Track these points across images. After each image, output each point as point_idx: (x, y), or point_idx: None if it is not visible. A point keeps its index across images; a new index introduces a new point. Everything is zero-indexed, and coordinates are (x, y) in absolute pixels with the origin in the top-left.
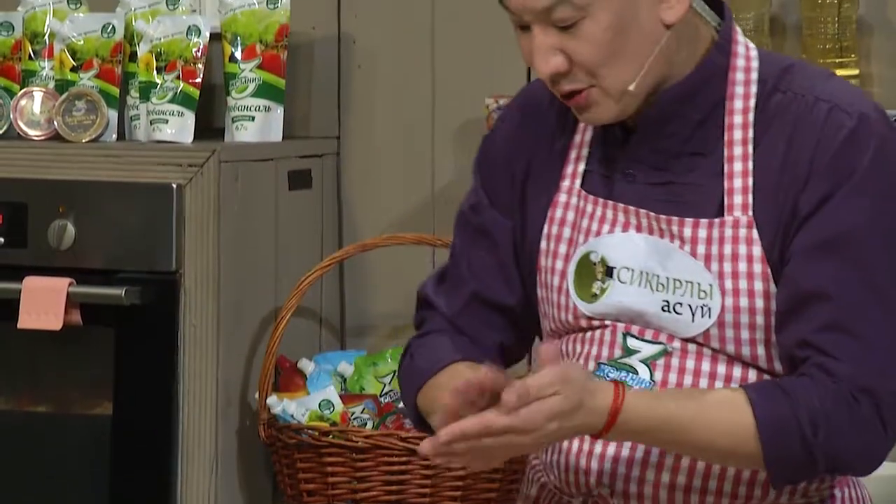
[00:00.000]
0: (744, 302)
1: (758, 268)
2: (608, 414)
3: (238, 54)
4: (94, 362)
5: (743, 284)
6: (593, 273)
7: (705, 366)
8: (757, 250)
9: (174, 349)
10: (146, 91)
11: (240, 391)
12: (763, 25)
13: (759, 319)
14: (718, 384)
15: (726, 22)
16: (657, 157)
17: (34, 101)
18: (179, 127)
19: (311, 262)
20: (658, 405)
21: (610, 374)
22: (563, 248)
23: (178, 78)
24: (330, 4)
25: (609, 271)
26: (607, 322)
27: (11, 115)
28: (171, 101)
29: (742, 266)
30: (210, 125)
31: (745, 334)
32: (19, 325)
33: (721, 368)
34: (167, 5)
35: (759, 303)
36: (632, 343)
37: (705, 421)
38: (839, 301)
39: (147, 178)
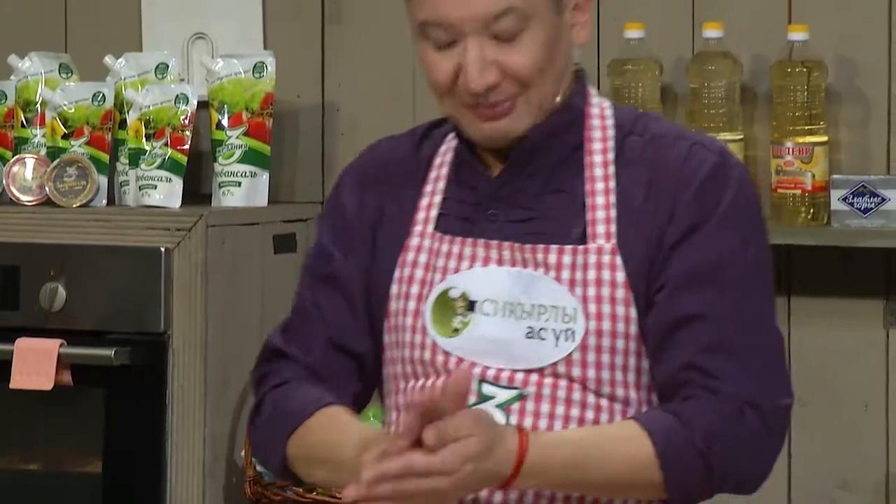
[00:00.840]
0: (606, 325)
1: (620, 293)
2: (515, 459)
3: (225, 122)
4: (84, 421)
5: (606, 309)
6: (453, 308)
7: (560, 409)
8: (620, 276)
9: (163, 408)
10: (135, 157)
11: (226, 449)
12: (734, 94)
13: (620, 343)
14: (573, 427)
15: (583, 73)
16: (519, 197)
17: (26, 168)
18: (168, 192)
19: None
20: (560, 446)
21: None
22: (415, 289)
23: (166, 145)
24: (314, 73)
25: (471, 305)
26: (463, 366)
27: (4, 181)
28: (160, 167)
29: (605, 291)
30: (197, 190)
31: (605, 358)
32: (11, 386)
33: (575, 411)
34: (156, 74)
35: (621, 327)
36: (487, 389)
37: (606, 456)
38: (716, 323)
39: (136, 242)
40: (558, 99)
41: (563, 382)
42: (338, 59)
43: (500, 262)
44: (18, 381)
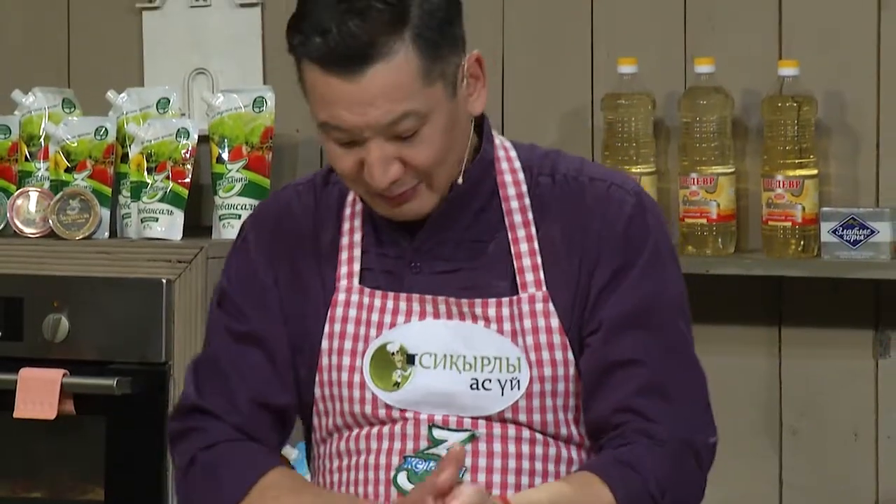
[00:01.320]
0: (548, 371)
1: (557, 338)
2: None
3: (225, 155)
4: (86, 450)
5: (546, 355)
6: (392, 363)
7: (511, 448)
8: (555, 322)
9: (163, 437)
10: (137, 191)
11: None
12: (725, 128)
13: (561, 386)
14: (525, 464)
15: (483, 116)
16: (442, 249)
17: (30, 201)
18: (169, 225)
19: None
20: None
21: (418, 466)
22: (349, 345)
23: (167, 178)
24: None
25: (410, 359)
26: (408, 415)
27: (8, 214)
28: (161, 200)
29: (543, 338)
30: (198, 223)
31: (549, 402)
32: (15, 415)
33: (525, 448)
34: (157, 109)
35: (561, 370)
36: (438, 433)
37: None
38: (648, 367)
39: (138, 274)
40: (461, 181)
41: (511, 425)
42: None
43: (436, 315)
44: (22, 410)
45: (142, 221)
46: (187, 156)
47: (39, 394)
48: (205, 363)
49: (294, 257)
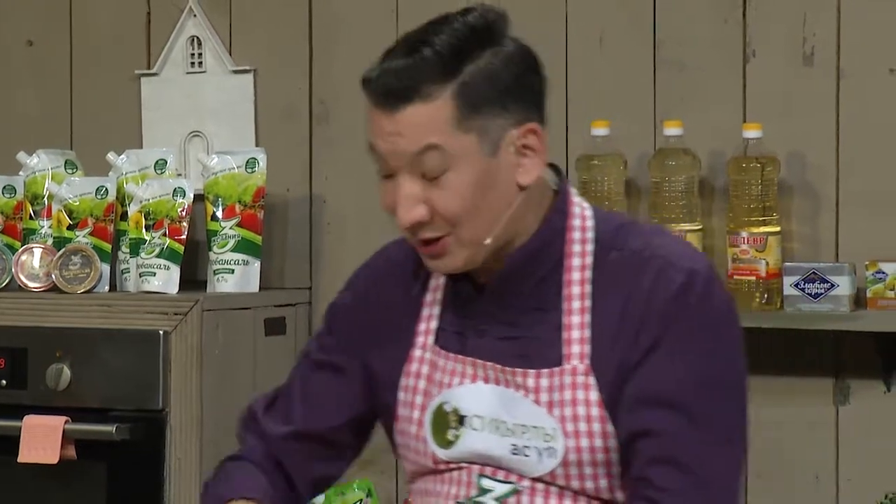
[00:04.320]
0: (584, 443)
1: (595, 411)
2: None
3: (219, 213)
4: (87, 493)
5: (583, 427)
6: (448, 421)
7: (553, 502)
8: (594, 395)
9: (161, 481)
10: (136, 247)
11: None
12: (693, 187)
13: (600, 456)
14: None
15: (562, 183)
16: (505, 314)
17: (34, 257)
18: (166, 279)
19: None
20: None
21: None
22: (419, 399)
23: (164, 235)
24: (303, 168)
25: (462, 420)
26: (463, 464)
27: (13, 269)
28: (159, 255)
29: (581, 410)
30: (194, 277)
31: (587, 470)
32: (19, 460)
33: (567, 503)
34: (155, 169)
35: (599, 442)
36: (485, 483)
37: None
38: (662, 437)
39: (136, 326)
40: (488, 241)
41: (552, 486)
42: (324, 154)
43: (485, 379)
44: (26, 455)
45: (140, 276)
46: (184, 214)
47: (42, 439)
48: (286, 383)
49: (387, 307)
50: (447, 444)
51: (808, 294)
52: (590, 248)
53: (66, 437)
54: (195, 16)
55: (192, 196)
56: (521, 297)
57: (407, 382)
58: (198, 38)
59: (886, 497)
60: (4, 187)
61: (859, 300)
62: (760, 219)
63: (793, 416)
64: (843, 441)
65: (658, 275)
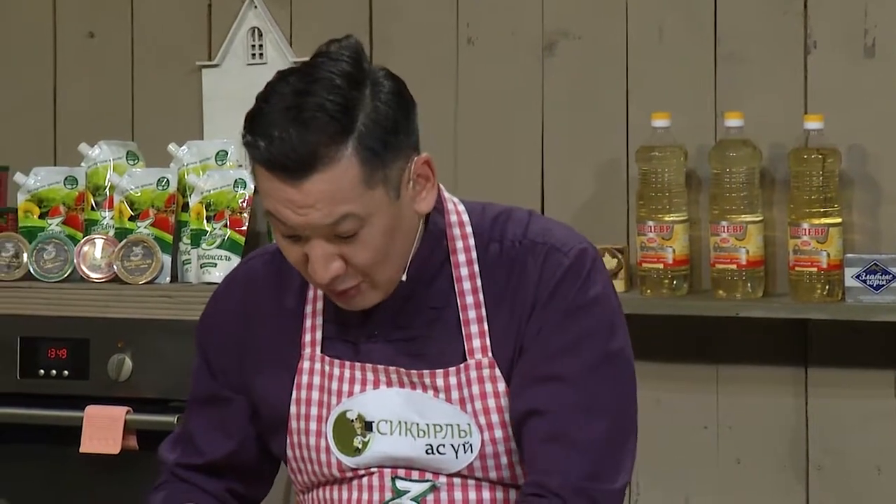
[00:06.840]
0: (499, 433)
1: (504, 401)
2: None
3: None
4: (149, 484)
5: (495, 418)
6: (353, 430)
7: (472, 494)
8: (501, 386)
9: None
10: (197, 238)
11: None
12: (754, 178)
13: (513, 444)
14: None
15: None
16: (399, 317)
17: (96, 248)
18: (226, 270)
19: None
20: None
21: None
22: (314, 411)
23: (225, 226)
24: None
25: (368, 426)
26: (373, 469)
27: (75, 260)
28: (220, 246)
29: (491, 402)
30: None
31: (504, 460)
32: (81, 450)
33: (486, 494)
34: (216, 161)
35: (511, 430)
36: (401, 484)
37: None
38: (549, 416)
39: (197, 317)
40: (403, 278)
41: (470, 479)
42: None
43: (388, 383)
44: (88, 445)
45: (201, 267)
46: (244, 205)
47: (104, 430)
48: (182, 426)
49: (263, 322)
50: (354, 452)
51: (869, 286)
52: (471, 242)
53: (128, 428)
54: (256, 7)
55: (252, 187)
56: (413, 301)
57: (299, 395)
58: (259, 29)
59: None
60: (66, 178)
61: None
62: (821, 210)
63: (853, 408)
64: None
65: (544, 261)
